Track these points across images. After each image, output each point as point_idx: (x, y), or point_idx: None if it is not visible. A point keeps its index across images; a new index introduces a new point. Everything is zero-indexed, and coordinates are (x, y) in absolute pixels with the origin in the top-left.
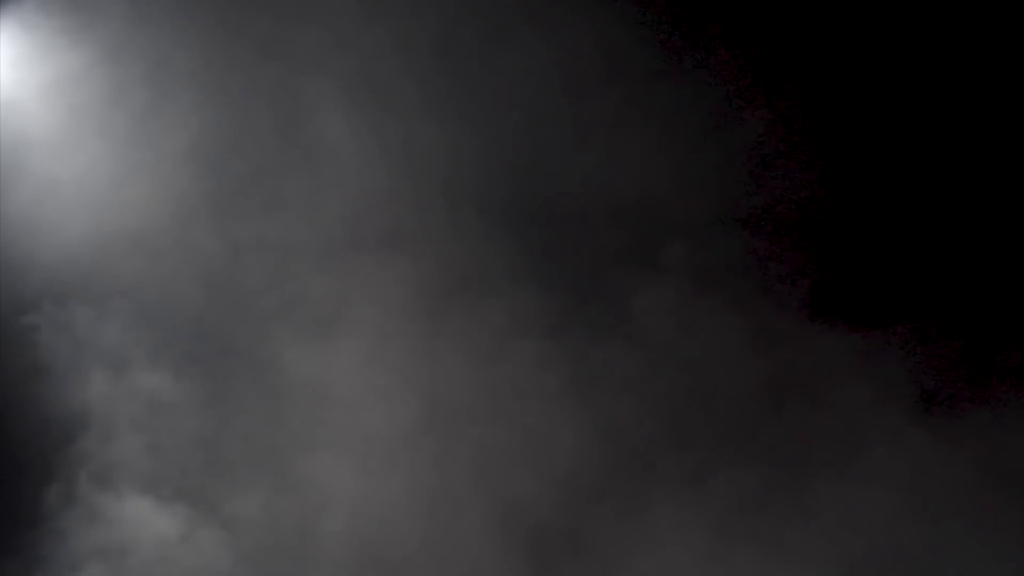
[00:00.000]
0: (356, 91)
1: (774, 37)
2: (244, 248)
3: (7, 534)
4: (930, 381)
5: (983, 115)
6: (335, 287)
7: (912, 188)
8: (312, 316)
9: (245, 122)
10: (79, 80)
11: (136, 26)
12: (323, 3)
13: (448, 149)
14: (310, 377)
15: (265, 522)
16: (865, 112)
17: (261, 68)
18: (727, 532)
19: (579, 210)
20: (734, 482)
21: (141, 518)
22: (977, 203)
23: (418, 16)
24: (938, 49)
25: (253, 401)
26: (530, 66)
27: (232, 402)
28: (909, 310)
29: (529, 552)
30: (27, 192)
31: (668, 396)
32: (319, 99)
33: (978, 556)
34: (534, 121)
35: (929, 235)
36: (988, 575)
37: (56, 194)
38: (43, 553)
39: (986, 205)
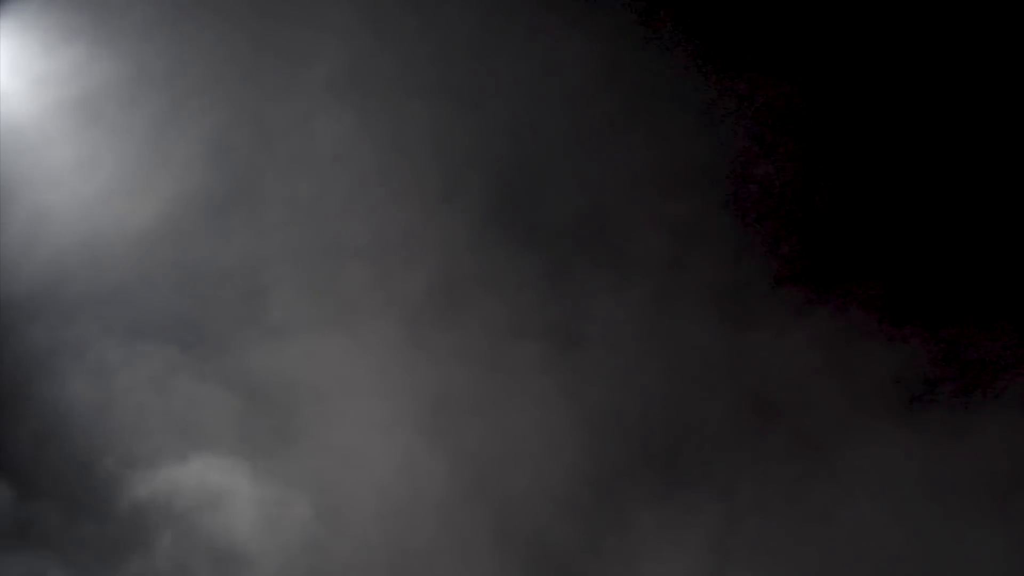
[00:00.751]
0: (353, 96)
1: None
2: (243, 248)
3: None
4: (915, 379)
5: (967, 106)
6: (329, 287)
7: (900, 182)
8: (307, 315)
9: (248, 123)
10: (73, 77)
11: (136, 25)
12: (321, 10)
13: (443, 150)
14: (304, 375)
15: None
16: (850, 102)
17: (267, 72)
18: (718, 538)
19: (571, 210)
20: (724, 486)
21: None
22: (966, 193)
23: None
24: (924, 41)
25: (249, 401)
26: (525, 66)
27: (229, 403)
28: (894, 308)
29: (523, 554)
30: (26, 195)
31: (656, 396)
32: (317, 102)
33: (970, 557)
34: (527, 122)
35: (918, 229)
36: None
37: (55, 194)
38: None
39: (977, 197)
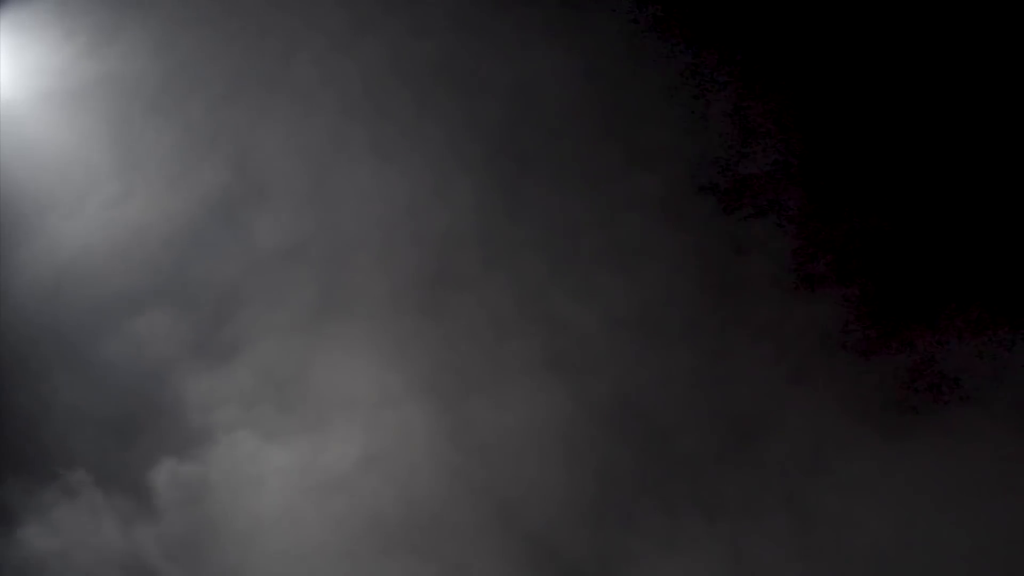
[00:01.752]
0: (355, 97)
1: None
2: (244, 246)
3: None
4: (895, 386)
5: (947, 113)
6: (324, 284)
7: (880, 189)
8: (303, 310)
9: (249, 119)
10: (68, 72)
11: (139, 23)
12: (321, 22)
13: (440, 149)
14: (299, 370)
15: None
16: (833, 111)
17: (264, 68)
18: (711, 545)
19: (566, 206)
20: (718, 492)
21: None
22: (944, 200)
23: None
24: (911, 35)
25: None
26: (522, 63)
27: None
28: (872, 315)
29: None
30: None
31: (645, 400)
32: (319, 102)
33: (963, 558)
34: (522, 120)
35: (895, 237)
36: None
37: (56, 192)
38: None
39: (953, 203)
